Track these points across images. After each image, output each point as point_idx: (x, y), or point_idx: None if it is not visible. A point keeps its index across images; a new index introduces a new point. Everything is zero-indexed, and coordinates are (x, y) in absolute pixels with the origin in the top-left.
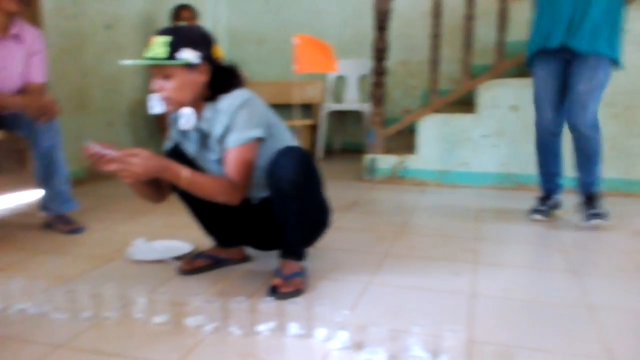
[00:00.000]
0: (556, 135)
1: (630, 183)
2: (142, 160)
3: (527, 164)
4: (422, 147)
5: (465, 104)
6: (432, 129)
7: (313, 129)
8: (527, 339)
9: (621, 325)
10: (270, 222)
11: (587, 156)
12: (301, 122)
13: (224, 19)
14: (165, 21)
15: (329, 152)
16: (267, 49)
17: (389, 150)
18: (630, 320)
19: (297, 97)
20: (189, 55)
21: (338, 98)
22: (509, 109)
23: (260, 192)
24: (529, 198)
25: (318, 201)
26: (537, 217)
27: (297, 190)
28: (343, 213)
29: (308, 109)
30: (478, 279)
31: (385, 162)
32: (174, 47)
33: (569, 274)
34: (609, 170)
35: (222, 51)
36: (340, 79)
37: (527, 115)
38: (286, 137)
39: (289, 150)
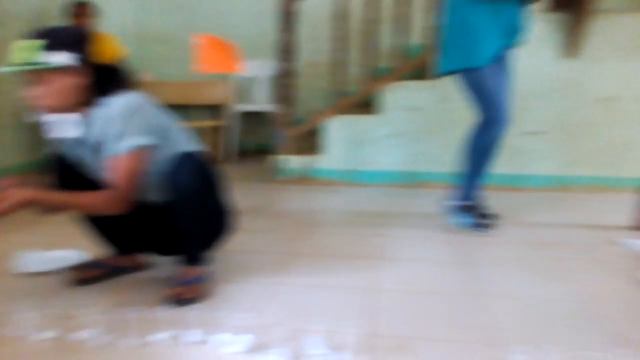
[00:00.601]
0: (506, 133)
1: (519, 178)
2: (8, 199)
3: (428, 163)
4: (329, 148)
5: (370, 105)
6: (339, 130)
7: (221, 130)
8: (425, 330)
9: (508, 312)
10: (169, 227)
11: (493, 159)
12: (208, 123)
13: (129, 17)
14: (60, 19)
15: (241, 153)
16: (174, 49)
17: (298, 151)
18: (516, 307)
19: (204, 97)
20: (63, 58)
21: (248, 99)
22: (410, 110)
23: (157, 197)
24: (431, 195)
25: (217, 206)
26: (484, 231)
27: (193, 198)
28: (252, 215)
29: (216, 109)
30: (381, 275)
31: (295, 162)
32: (47, 50)
33: (463, 266)
34: (500, 166)
35: (126, 50)
36: (250, 80)
37: (427, 116)
38: (183, 140)
39: (183, 158)
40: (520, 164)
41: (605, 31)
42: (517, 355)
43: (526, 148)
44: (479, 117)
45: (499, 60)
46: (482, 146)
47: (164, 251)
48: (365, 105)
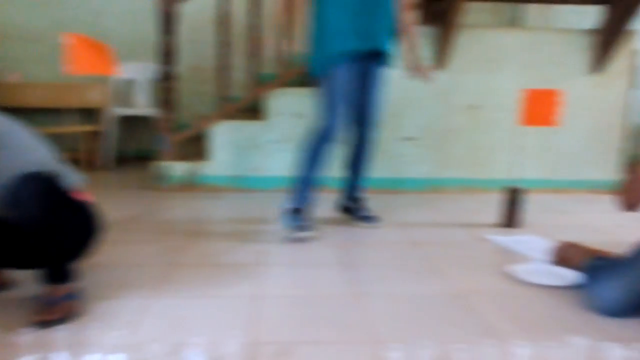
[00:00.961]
0: (336, 143)
1: (397, 181)
2: None
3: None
4: (215, 153)
5: (255, 110)
6: (225, 135)
7: (99, 135)
8: (307, 333)
9: (387, 310)
10: (23, 240)
11: (368, 161)
12: (84, 128)
13: None
14: None
15: (121, 159)
16: (44, 48)
17: (182, 157)
18: (394, 304)
19: (80, 100)
20: None
21: (127, 102)
22: (294, 116)
23: (3, 212)
24: (316, 199)
25: (72, 221)
26: (310, 234)
27: (42, 224)
28: (132, 225)
29: (93, 113)
30: (265, 281)
31: (179, 169)
32: None
33: (344, 267)
34: (379, 170)
35: None
36: (129, 83)
37: (311, 122)
38: (28, 146)
39: (25, 181)
40: (397, 168)
41: (470, 45)
42: (394, 352)
43: (402, 152)
44: (316, 124)
45: (356, 69)
46: (312, 153)
47: (22, 265)
48: (252, 111)
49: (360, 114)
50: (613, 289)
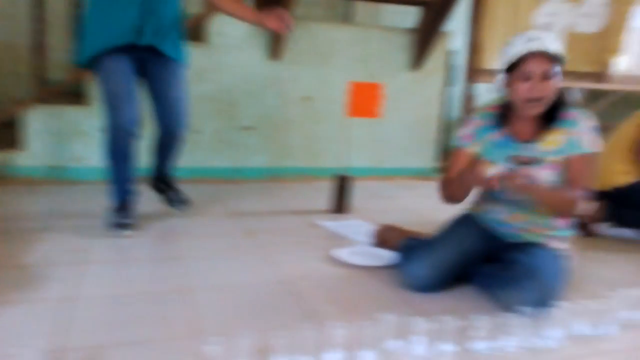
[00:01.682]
0: (135, 136)
1: (236, 171)
2: None
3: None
4: (29, 142)
5: (77, 95)
6: (40, 122)
7: None
8: (121, 335)
9: (211, 303)
10: None
11: (176, 152)
12: None
13: None
14: None
15: None
16: None
17: None
18: (219, 297)
19: None
20: None
21: None
22: None
23: None
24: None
25: None
26: (129, 232)
27: None
28: None
29: None
30: (77, 281)
31: None
32: None
33: (170, 262)
34: (218, 160)
35: None
36: None
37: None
38: None
39: None
40: (236, 157)
41: (303, 37)
42: (212, 345)
43: (241, 142)
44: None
45: (125, 62)
46: (107, 150)
47: None
48: (73, 95)
49: (160, 113)
50: (421, 267)
